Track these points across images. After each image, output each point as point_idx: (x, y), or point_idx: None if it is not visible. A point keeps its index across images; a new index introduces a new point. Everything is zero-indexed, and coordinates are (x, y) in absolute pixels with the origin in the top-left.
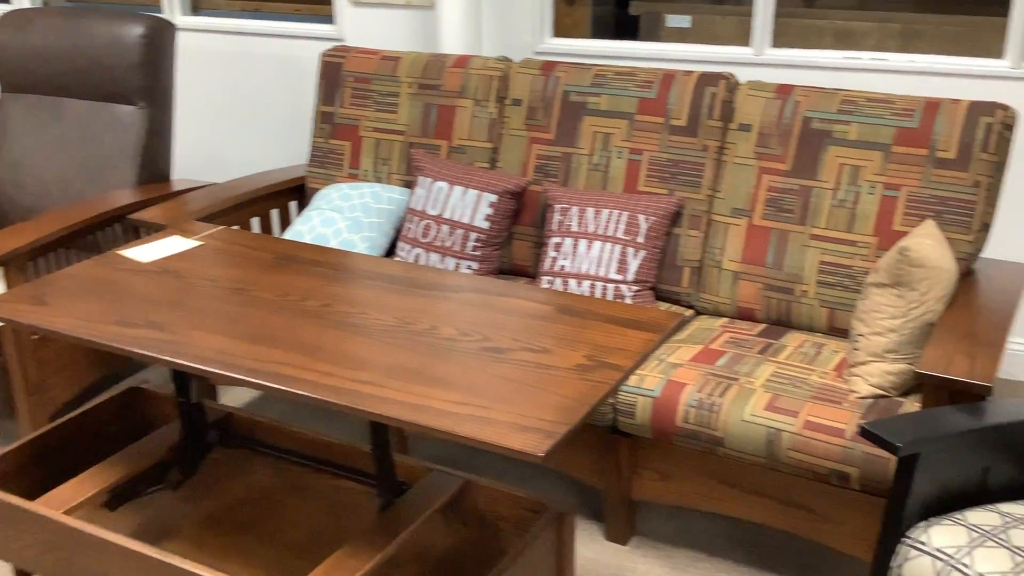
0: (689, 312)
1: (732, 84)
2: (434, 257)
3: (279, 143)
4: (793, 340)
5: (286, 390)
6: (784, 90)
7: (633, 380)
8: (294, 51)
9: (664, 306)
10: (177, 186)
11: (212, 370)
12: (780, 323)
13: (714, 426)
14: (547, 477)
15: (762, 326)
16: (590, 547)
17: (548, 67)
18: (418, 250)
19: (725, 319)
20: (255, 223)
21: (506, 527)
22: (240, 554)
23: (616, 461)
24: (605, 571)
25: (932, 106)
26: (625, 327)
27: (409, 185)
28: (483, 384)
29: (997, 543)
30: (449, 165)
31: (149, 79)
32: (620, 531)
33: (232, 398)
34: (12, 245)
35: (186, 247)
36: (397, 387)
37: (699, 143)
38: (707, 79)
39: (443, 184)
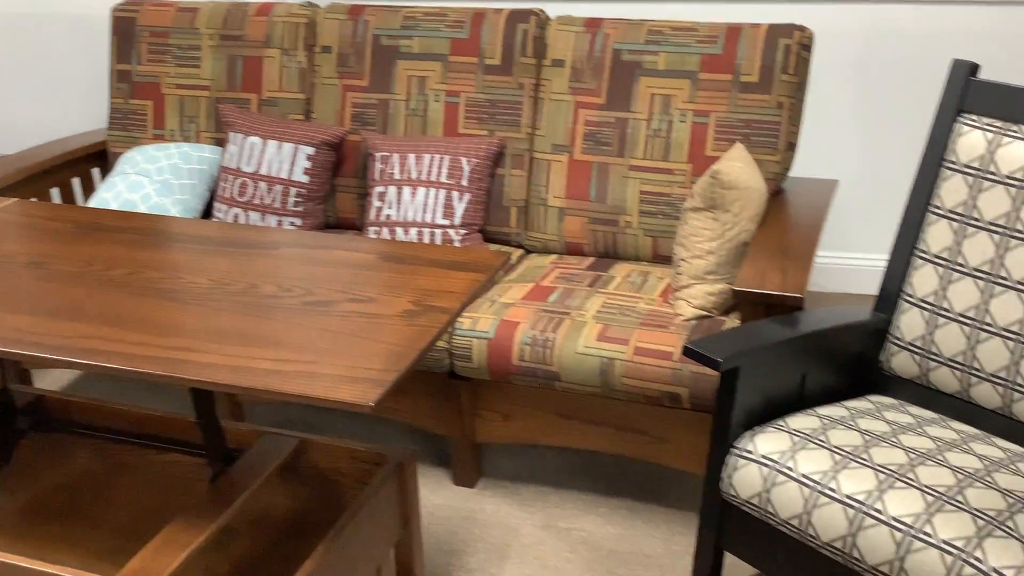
0: (518, 252)
1: (543, 20)
2: (254, 216)
3: (78, 107)
4: (621, 271)
5: (96, 364)
6: (593, 24)
7: (466, 323)
8: (84, 8)
9: (494, 248)
10: None
11: (13, 351)
12: (608, 255)
13: (549, 361)
14: (392, 429)
15: (591, 259)
16: (439, 493)
17: (356, 11)
18: (236, 210)
19: (555, 256)
20: (55, 194)
21: (348, 482)
22: (65, 543)
23: (457, 406)
24: (455, 515)
25: (734, 31)
26: (451, 270)
27: (220, 143)
28: (308, 339)
29: (817, 444)
30: (261, 119)
31: None
32: (467, 475)
33: (50, 381)
34: None
35: None
36: (216, 351)
37: (515, 81)
38: (517, 16)
39: (256, 139)
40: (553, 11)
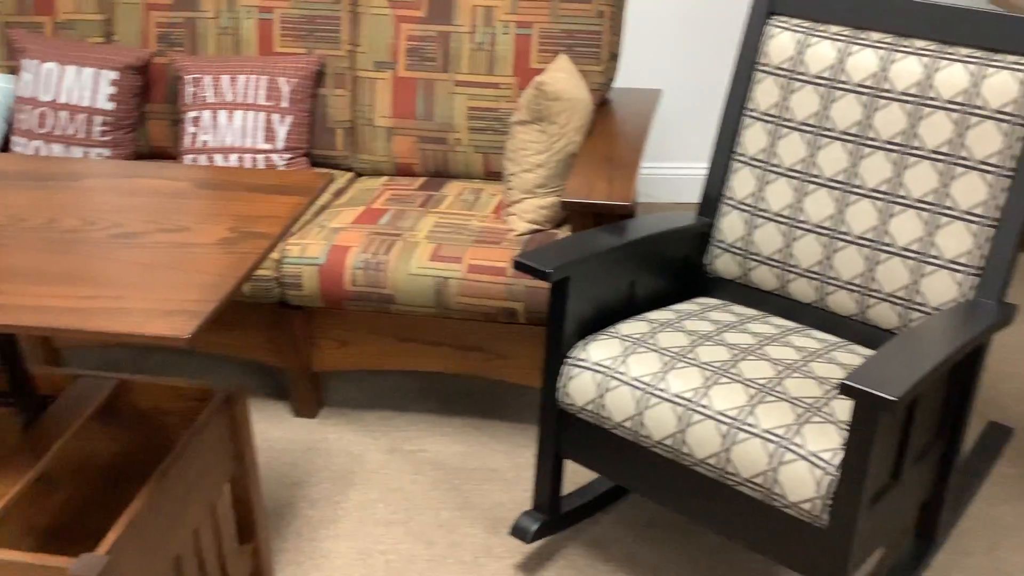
0: (348, 175)
1: None
2: (57, 148)
3: None
4: (453, 189)
5: None
6: None
7: (295, 250)
8: None
9: (321, 171)
10: None
11: None
12: (439, 174)
13: (383, 284)
14: (227, 366)
15: (422, 179)
16: (279, 426)
17: None
18: (36, 143)
19: (385, 177)
20: None
21: (174, 422)
22: None
23: (291, 336)
24: (297, 448)
25: None
26: (271, 194)
27: (13, 71)
28: (115, 274)
29: (647, 348)
30: (57, 43)
31: None
32: (307, 406)
33: None
34: None
35: None
36: (11, 291)
37: None
38: None
39: (52, 65)
40: None
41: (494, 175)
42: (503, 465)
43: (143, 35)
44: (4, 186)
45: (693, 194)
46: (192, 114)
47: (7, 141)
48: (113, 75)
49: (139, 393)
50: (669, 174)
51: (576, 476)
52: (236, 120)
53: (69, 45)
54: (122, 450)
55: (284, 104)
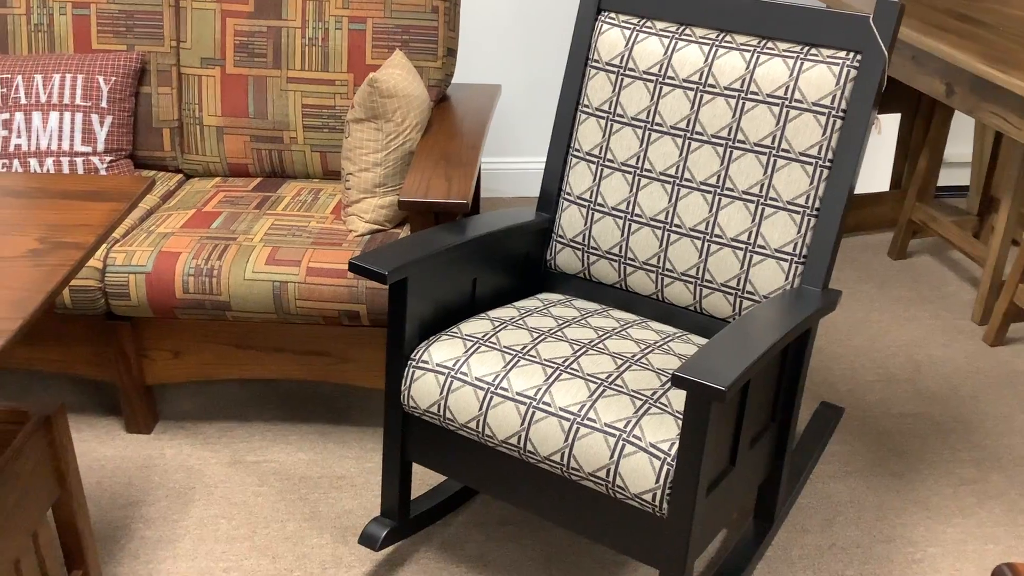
0: (177, 177)
1: None
2: None
3: None
4: (290, 190)
5: None
6: None
7: (120, 258)
8: None
9: (149, 175)
10: None
11: None
12: (275, 174)
13: (217, 291)
14: (50, 383)
15: (257, 180)
16: (110, 444)
17: None
18: None
19: (218, 179)
20: None
21: None
22: None
23: (119, 348)
24: (130, 465)
25: None
26: (85, 200)
27: None
28: None
29: (489, 347)
30: None
31: None
32: (141, 421)
33: None
34: None
35: None
36: None
37: None
38: None
39: None
40: None
41: (333, 174)
42: (352, 471)
43: None
44: None
45: (536, 188)
46: (3, 116)
47: None
48: None
49: None
50: (512, 169)
51: (426, 478)
52: (51, 122)
53: None
54: None
55: (103, 104)
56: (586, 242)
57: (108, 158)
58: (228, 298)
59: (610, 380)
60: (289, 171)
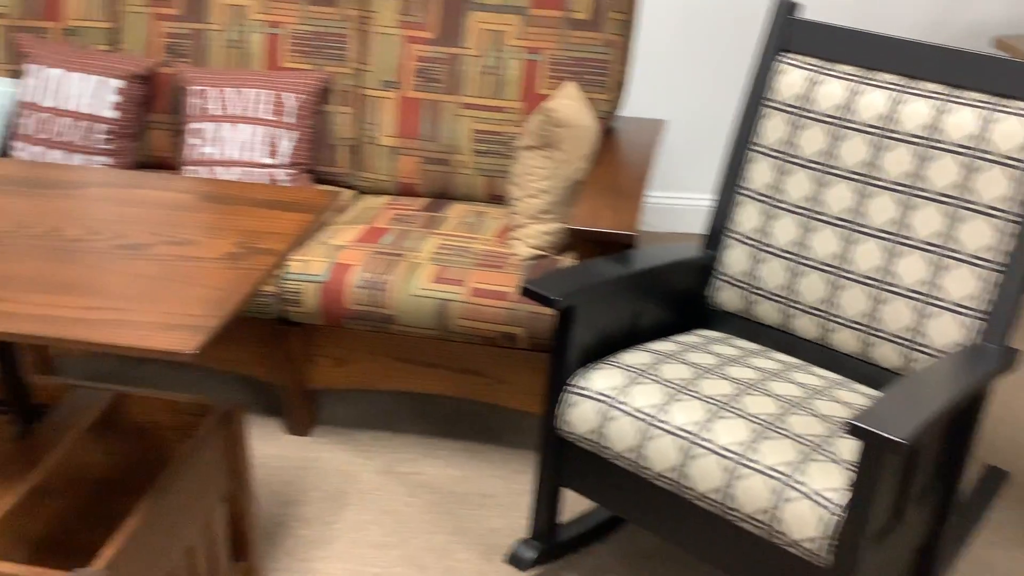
0: (350, 193)
1: None
2: (57, 154)
3: None
4: (455, 211)
5: None
6: None
7: (297, 267)
8: None
9: (328, 189)
10: None
11: None
12: (442, 195)
13: (384, 304)
14: (220, 381)
15: (424, 200)
16: (272, 444)
17: None
18: (37, 148)
19: (387, 197)
20: None
21: (171, 436)
22: None
23: (288, 352)
24: (289, 465)
25: None
26: (277, 210)
27: (16, 75)
28: (119, 285)
29: (649, 379)
30: (63, 49)
31: None
32: (301, 423)
33: None
34: None
35: None
36: (15, 298)
37: (339, 13)
38: None
39: (58, 71)
40: None
41: (497, 198)
42: (499, 491)
43: (149, 44)
44: (7, 192)
45: (695, 224)
46: (195, 125)
47: (6, 145)
48: (118, 83)
49: (136, 406)
50: (671, 204)
51: (574, 504)
52: (239, 133)
53: (75, 51)
54: (116, 463)
55: (289, 119)
56: (750, 281)
57: (290, 171)
58: (394, 312)
59: (773, 422)
60: (454, 193)
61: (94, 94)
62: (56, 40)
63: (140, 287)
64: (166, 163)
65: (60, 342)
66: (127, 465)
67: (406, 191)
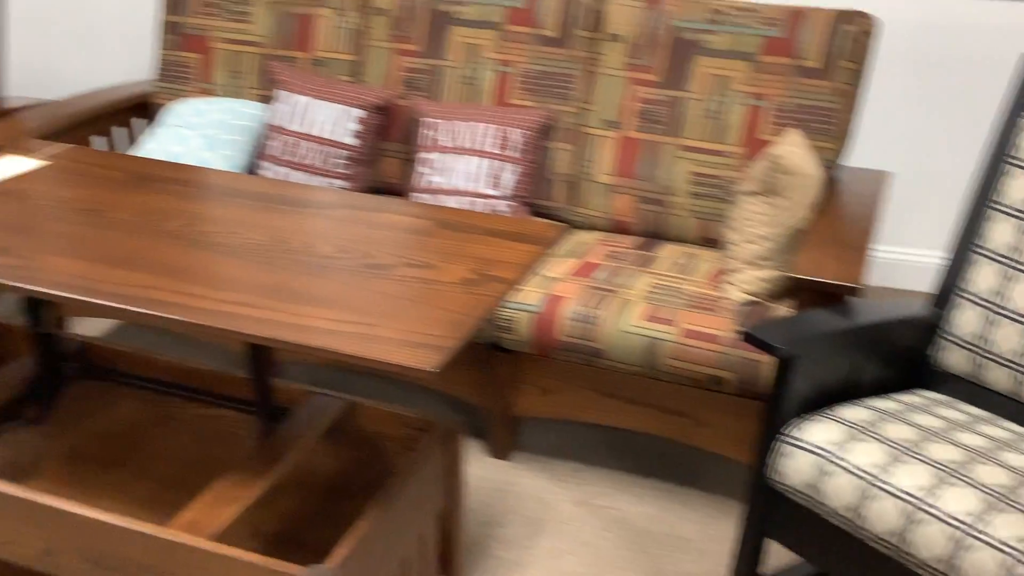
0: (562, 226)
1: None
2: (300, 175)
3: (115, 56)
4: (667, 251)
5: (155, 315)
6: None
7: (512, 296)
8: None
9: (555, 223)
10: (5, 103)
11: (73, 296)
12: (654, 235)
13: (594, 338)
14: (425, 397)
15: (637, 238)
16: (473, 464)
17: None
18: (282, 168)
19: (600, 233)
20: (96, 142)
21: (393, 447)
22: (110, 490)
23: (497, 378)
24: (489, 487)
25: (797, 15)
26: (507, 240)
27: (266, 100)
28: (366, 301)
29: (871, 437)
30: (311, 78)
31: None
32: (502, 447)
33: (85, 330)
34: None
35: (29, 167)
36: (275, 307)
37: (569, 54)
38: None
39: (306, 99)
40: None
41: (710, 241)
42: (695, 535)
43: (389, 77)
44: (265, 208)
45: (914, 281)
46: (425, 155)
47: (253, 164)
48: (359, 113)
49: (364, 416)
50: (892, 258)
51: (777, 556)
52: (466, 165)
53: (322, 81)
54: (342, 468)
55: (512, 153)
56: (981, 344)
57: (510, 203)
58: (604, 346)
59: (1007, 495)
60: (666, 233)
61: (336, 121)
62: (305, 69)
63: (384, 305)
64: (395, 189)
65: (313, 351)
66: (351, 470)
67: (619, 228)
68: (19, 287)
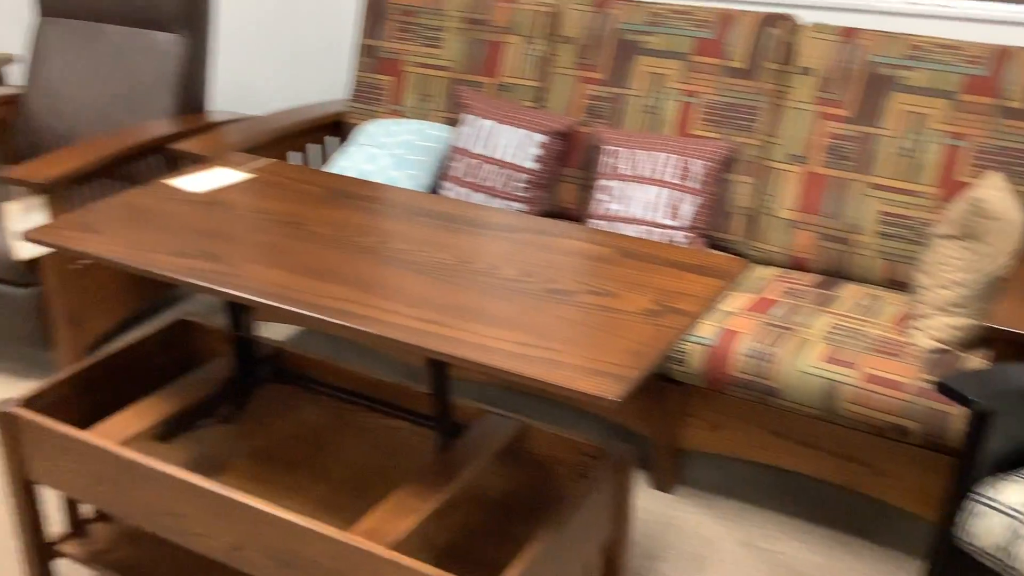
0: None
1: (794, 26)
2: (481, 197)
3: (309, 76)
4: (849, 291)
5: (348, 326)
6: (849, 33)
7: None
8: None
9: (737, 257)
10: (212, 117)
11: (272, 303)
12: (833, 273)
13: (769, 376)
14: (587, 421)
15: (816, 276)
16: (635, 495)
17: (602, 3)
18: (464, 189)
19: (777, 268)
20: (291, 157)
21: (563, 472)
22: (291, 490)
23: (664, 409)
24: (651, 519)
25: (1003, 53)
26: (690, 272)
27: (452, 122)
28: (549, 326)
29: None
30: (496, 103)
31: (188, 5)
32: (665, 479)
33: (268, 333)
34: (55, 172)
35: (235, 179)
36: (461, 327)
37: (757, 86)
38: (769, 19)
39: (490, 122)
40: (808, 18)
41: (896, 284)
42: None
43: (571, 104)
44: (450, 228)
45: None
46: (604, 182)
47: (435, 183)
48: (541, 138)
49: (537, 439)
50: None
51: None
52: (644, 194)
53: (507, 106)
54: (512, 488)
55: (692, 184)
56: None
57: (688, 234)
58: (779, 385)
59: None
60: (848, 273)
61: (519, 146)
62: (490, 94)
63: (566, 331)
64: (571, 214)
65: (498, 372)
66: (520, 491)
67: (797, 265)
68: (226, 292)
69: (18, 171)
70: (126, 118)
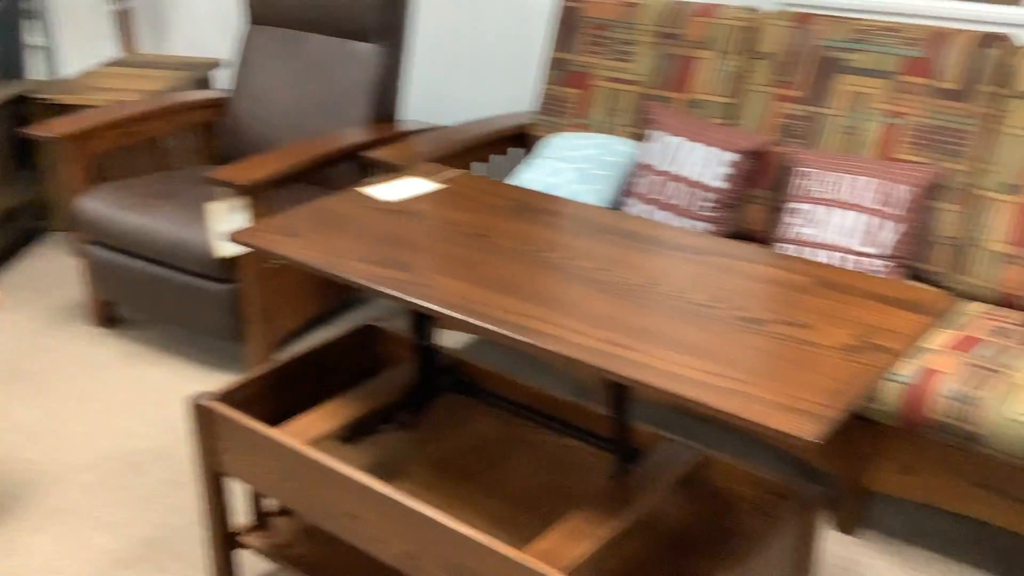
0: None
1: (1013, 47)
2: (665, 215)
3: (494, 87)
4: None
5: (532, 343)
6: None
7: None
8: None
9: (945, 292)
10: (403, 126)
11: (458, 316)
12: None
13: (972, 421)
14: (764, 452)
15: None
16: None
17: (803, 19)
18: (648, 207)
19: (984, 305)
20: (476, 168)
21: (743, 507)
22: (465, 502)
23: (853, 447)
24: (834, 562)
25: None
26: (892, 306)
27: (637, 138)
28: (740, 356)
29: None
30: (686, 120)
31: (387, 17)
32: (848, 521)
33: (442, 342)
34: (258, 175)
35: (426, 189)
36: (647, 351)
37: (968, 109)
38: (986, 40)
39: (679, 139)
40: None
41: None
42: None
43: (764, 122)
44: (638, 248)
45: None
46: (796, 205)
47: (619, 200)
48: (732, 157)
49: (717, 470)
50: None
51: None
52: (840, 218)
53: (697, 123)
54: (687, 519)
55: (894, 211)
56: None
57: (887, 263)
58: (984, 432)
59: None
60: None
61: (706, 164)
62: (679, 110)
63: (757, 362)
64: (756, 236)
65: (684, 401)
66: (696, 524)
67: (1006, 302)
68: (414, 302)
69: (224, 173)
70: (322, 124)
